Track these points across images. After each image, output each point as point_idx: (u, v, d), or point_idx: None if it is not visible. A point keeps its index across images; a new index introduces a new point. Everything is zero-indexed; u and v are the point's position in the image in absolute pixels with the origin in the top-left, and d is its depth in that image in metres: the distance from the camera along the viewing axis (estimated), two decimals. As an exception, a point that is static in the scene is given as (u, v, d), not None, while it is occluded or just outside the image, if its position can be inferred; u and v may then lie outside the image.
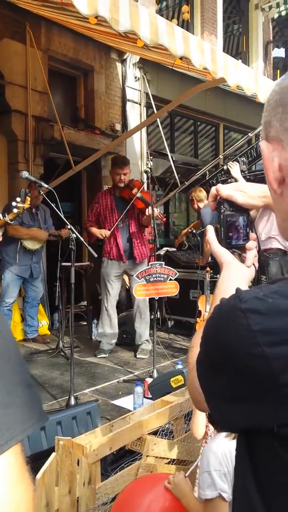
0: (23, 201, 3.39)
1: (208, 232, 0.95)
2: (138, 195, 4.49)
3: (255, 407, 0.58)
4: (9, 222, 3.41)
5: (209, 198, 0.98)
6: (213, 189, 0.95)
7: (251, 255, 0.93)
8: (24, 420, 0.58)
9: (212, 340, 0.63)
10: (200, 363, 0.66)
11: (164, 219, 5.18)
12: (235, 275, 0.88)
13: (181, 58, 3.78)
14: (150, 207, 4.34)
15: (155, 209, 4.41)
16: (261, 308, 0.57)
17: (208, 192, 1.18)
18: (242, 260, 0.92)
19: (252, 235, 0.94)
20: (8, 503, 0.56)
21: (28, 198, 3.45)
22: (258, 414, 0.58)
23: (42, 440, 2.18)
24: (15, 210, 3.35)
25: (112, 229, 4.66)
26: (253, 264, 0.92)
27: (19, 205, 3.34)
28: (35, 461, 2.09)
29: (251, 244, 0.93)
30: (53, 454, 1.85)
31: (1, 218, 3.37)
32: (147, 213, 4.42)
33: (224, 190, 0.93)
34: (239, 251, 0.93)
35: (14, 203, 3.39)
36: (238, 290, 0.62)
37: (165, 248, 6.72)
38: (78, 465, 1.96)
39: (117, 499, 1.76)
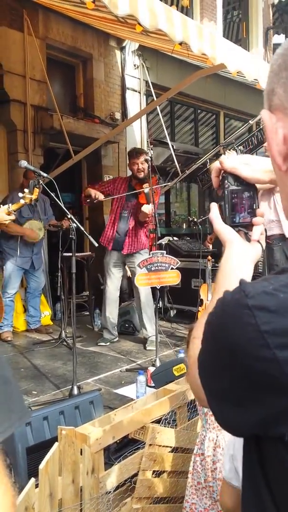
0: (31, 192, 3.29)
1: (212, 209, 0.87)
2: (146, 190, 4.42)
3: (263, 414, 0.52)
4: (13, 212, 3.34)
5: (212, 173, 0.90)
6: (216, 163, 0.88)
7: (257, 232, 0.84)
8: (1, 421, 0.55)
9: (215, 339, 0.57)
10: (202, 362, 0.61)
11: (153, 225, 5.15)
12: (239, 255, 0.80)
13: (180, 44, 3.72)
14: (149, 205, 4.31)
15: (150, 207, 4.33)
16: (270, 305, 0.50)
17: None
18: (248, 239, 0.85)
19: (259, 211, 0.86)
20: None
21: (37, 190, 3.34)
22: (266, 421, 0.53)
23: (45, 430, 2.18)
24: (21, 201, 3.28)
25: (110, 214, 4.65)
26: (259, 241, 0.84)
27: (26, 196, 3.26)
28: (38, 451, 2.09)
29: (258, 220, 0.85)
30: (56, 444, 1.84)
31: (7, 208, 3.30)
32: (143, 209, 4.38)
33: (228, 162, 0.85)
34: (245, 229, 0.86)
35: (20, 194, 3.31)
36: (242, 282, 0.55)
37: (167, 238, 6.70)
38: (81, 454, 1.95)
39: None
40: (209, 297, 4.92)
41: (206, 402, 0.62)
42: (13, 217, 3.34)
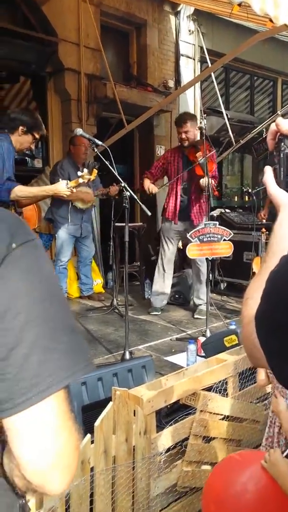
0: (90, 173, 3.47)
1: (266, 172, 0.84)
2: (201, 161, 4.36)
3: None
4: (71, 188, 3.44)
5: (268, 135, 0.86)
6: (272, 125, 0.84)
7: None
8: (68, 366, 0.57)
9: (279, 296, 0.56)
10: (261, 319, 0.60)
11: (217, 193, 5.03)
12: None
13: (239, 5, 3.55)
14: (205, 178, 4.24)
15: (211, 180, 4.31)
16: None
17: None
18: None
19: None
20: (48, 451, 0.56)
21: (95, 171, 3.54)
22: None
23: (99, 390, 2.25)
24: (80, 180, 3.41)
25: (169, 185, 4.62)
26: None
27: (85, 176, 3.40)
28: (92, 410, 2.17)
29: None
30: (111, 403, 1.90)
31: (65, 183, 3.42)
32: (201, 183, 4.33)
33: (285, 124, 0.81)
34: None
35: (79, 173, 3.46)
36: None
37: (218, 210, 6.60)
38: (134, 415, 2.01)
39: (212, 474, 1.72)
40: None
41: (261, 361, 0.62)
42: (70, 191, 3.43)
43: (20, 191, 3.20)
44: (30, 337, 0.55)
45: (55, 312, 0.58)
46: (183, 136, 4.55)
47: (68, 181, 3.47)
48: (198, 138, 4.71)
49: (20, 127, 3.21)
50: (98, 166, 3.74)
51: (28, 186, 3.71)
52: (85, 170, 3.47)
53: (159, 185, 4.97)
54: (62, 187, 3.35)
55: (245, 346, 0.71)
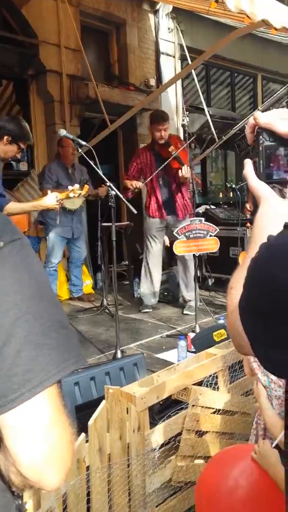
0: (81, 188, 3.49)
1: (246, 165, 0.85)
2: (175, 154, 4.39)
3: None
4: (60, 200, 3.43)
5: (247, 129, 0.87)
6: (250, 119, 0.85)
7: None
8: (59, 361, 0.58)
9: (260, 283, 0.56)
10: (244, 308, 0.60)
11: (197, 180, 5.06)
12: (274, 211, 0.78)
13: (216, 1, 3.58)
14: (184, 167, 4.28)
15: (189, 170, 4.35)
16: None
17: None
18: (283, 195, 0.83)
19: None
20: (43, 445, 0.57)
21: (86, 186, 3.54)
22: None
23: (92, 389, 2.27)
24: (70, 194, 3.41)
25: (146, 184, 4.65)
26: None
27: (76, 190, 3.40)
28: (86, 410, 2.18)
29: None
30: (103, 402, 1.92)
31: (55, 196, 3.41)
32: (180, 174, 4.36)
33: (263, 118, 0.82)
34: (279, 186, 0.84)
35: (70, 187, 3.46)
36: None
37: (203, 206, 6.65)
38: (127, 413, 2.03)
39: (204, 470, 1.73)
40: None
41: (246, 349, 0.62)
42: (59, 204, 3.42)
43: (11, 208, 3.17)
44: (21, 333, 0.56)
45: (44, 308, 0.60)
46: (162, 134, 4.55)
47: (58, 194, 3.47)
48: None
49: (5, 137, 3.10)
50: (89, 182, 3.77)
51: (19, 203, 3.68)
52: (76, 185, 3.49)
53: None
54: (51, 201, 3.33)
55: (231, 334, 0.73)
